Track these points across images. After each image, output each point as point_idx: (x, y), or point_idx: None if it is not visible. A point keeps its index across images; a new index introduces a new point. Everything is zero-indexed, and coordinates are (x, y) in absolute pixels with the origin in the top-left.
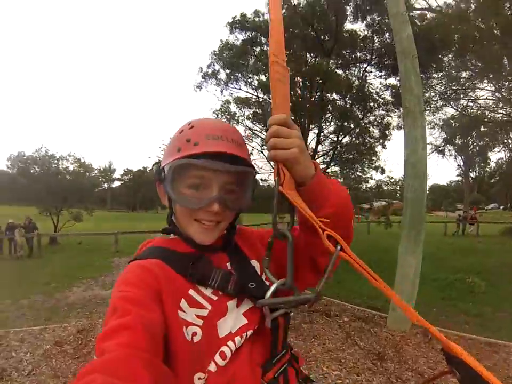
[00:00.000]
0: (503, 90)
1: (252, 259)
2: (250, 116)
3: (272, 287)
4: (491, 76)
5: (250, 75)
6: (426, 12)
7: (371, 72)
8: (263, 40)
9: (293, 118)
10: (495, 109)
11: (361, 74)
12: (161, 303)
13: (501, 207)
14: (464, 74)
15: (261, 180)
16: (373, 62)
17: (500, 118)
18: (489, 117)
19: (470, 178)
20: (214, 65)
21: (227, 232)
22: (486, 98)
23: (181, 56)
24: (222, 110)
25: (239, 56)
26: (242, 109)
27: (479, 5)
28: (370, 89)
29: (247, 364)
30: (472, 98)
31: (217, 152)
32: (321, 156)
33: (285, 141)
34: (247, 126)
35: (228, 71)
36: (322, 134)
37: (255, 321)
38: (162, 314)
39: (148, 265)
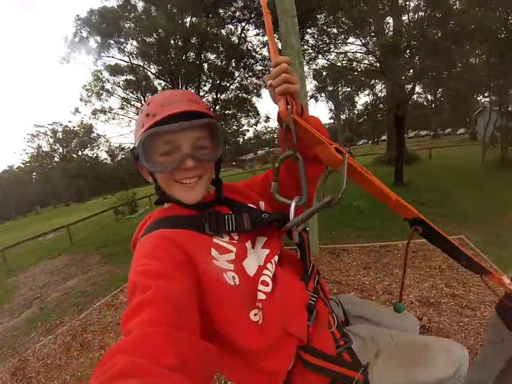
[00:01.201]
0: (369, 45)
1: (248, 203)
2: (121, 83)
3: (293, 205)
4: (358, 33)
5: (123, 40)
6: None
7: (249, 30)
8: (140, 4)
9: (169, 79)
10: (361, 60)
11: (240, 33)
12: (188, 266)
13: (369, 142)
14: (335, 30)
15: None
16: (251, 21)
17: (365, 67)
18: (356, 67)
19: (341, 119)
20: (81, 32)
21: (215, 188)
22: (355, 52)
23: (35, 23)
24: (94, 82)
25: (114, 21)
26: (114, 77)
27: None
28: (248, 47)
29: (291, 281)
30: (343, 51)
31: (174, 114)
32: None
33: (293, 77)
34: (119, 96)
35: (98, 38)
36: (199, 93)
37: (275, 248)
38: (190, 279)
39: (161, 234)
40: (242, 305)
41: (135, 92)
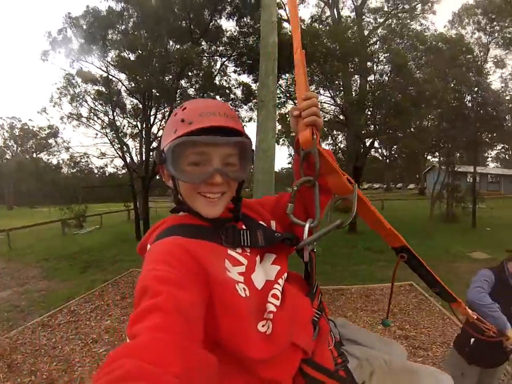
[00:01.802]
0: (337, 98)
1: (260, 220)
2: (93, 93)
3: (307, 226)
4: (328, 85)
5: (106, 49)
6: (284, 22)
7: (228, 66)
8: (135, 14)
9: (141, 99)
10: (328, 111)
11: (219, 67)
12: (199, 276)
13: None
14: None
15: (103, 166)
16: (232, 58)
17: (330, 118)
18: (322, 117)
19: None
20: (66, 31)
21: (234, 205)
22: (325, 102)
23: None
24: (65, 85)
25: (105, 25)
26: (85, 85)
27: (331, 29)
28: (224, 82)
29: (299, 296)
30: None
31: (211, 127)
32: None
33: (319, 112)
34: (88, 105)
35: (82, 40)
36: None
37: (284, 265)
38: (200, 290)
39: (175, 241)
40: (252, 317)
41: (104, 104)
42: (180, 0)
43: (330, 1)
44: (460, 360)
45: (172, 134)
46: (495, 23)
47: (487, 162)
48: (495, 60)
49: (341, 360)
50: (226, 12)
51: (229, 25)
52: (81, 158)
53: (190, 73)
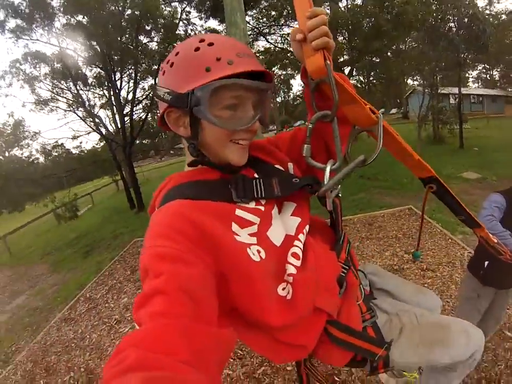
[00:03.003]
0: None
1: (275, 164)
2: (48, 73)
3: (327, 169)
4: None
5: (55, 17)
6: None
7: (190, 12)
8: None
9: (101, 65)
10: None
11: (179, 14)
12: (205, 246)
13: (305, 122)
14: (273, 13)
15: (79, 145)
16: (192, 3)
17: None
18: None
19: (277, 103)
20: None
21: None
22: None
23: None
24: (13, 69)
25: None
26: (38, 67)
27: None
28: (189, 30)
29: (322, 252)
30: (285, 33)
31: (252, 71)
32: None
33: (329, 31)
34: (48, 85)
35: (19, 21)
36: (136, 80)
37: (306, 216)
38: (207, 261)
39: (177, 209)
40: (269, 281)
41: (63, 82)
42: None
43: None
44: (474, 282)
45: (204, 72)
46: None
47: (468, 83)
48: None
49: (370, 316)
50: None
51: None
52: (56, 144)
53: (148, 27)
